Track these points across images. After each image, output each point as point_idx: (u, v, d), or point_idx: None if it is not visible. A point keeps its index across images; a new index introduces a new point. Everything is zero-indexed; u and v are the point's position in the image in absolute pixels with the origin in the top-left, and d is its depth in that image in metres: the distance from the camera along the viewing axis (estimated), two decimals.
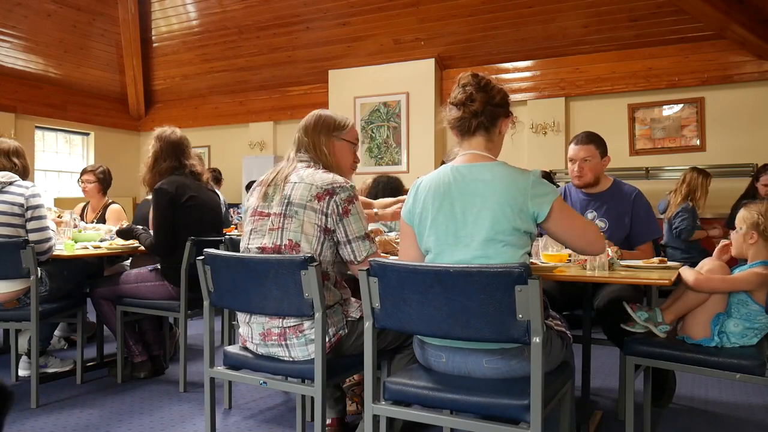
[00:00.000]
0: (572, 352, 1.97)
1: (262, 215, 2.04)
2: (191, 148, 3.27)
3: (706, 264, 2.24)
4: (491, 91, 1.79)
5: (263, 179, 2.12)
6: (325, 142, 2.12)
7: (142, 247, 3.21)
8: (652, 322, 2.22)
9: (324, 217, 1.96)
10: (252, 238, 2.05)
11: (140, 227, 3.28)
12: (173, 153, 3.16)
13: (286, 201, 1.99)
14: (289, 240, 1.96)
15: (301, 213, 1.96)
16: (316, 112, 2.20)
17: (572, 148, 2.85)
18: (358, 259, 1.99)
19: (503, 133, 1.86)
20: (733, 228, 2.32)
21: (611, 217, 2.79)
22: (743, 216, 2.26)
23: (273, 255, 1.96)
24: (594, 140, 2.82)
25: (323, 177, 2.00)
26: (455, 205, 1.73)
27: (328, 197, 1.96)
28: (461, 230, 1.71)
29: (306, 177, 2.01)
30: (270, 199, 2.04)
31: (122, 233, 3.30)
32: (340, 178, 2.02)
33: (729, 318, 2.16)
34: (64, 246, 3.09)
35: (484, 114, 1.78)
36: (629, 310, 2.24)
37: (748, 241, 2.22)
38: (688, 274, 2.15)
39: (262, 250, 2.00)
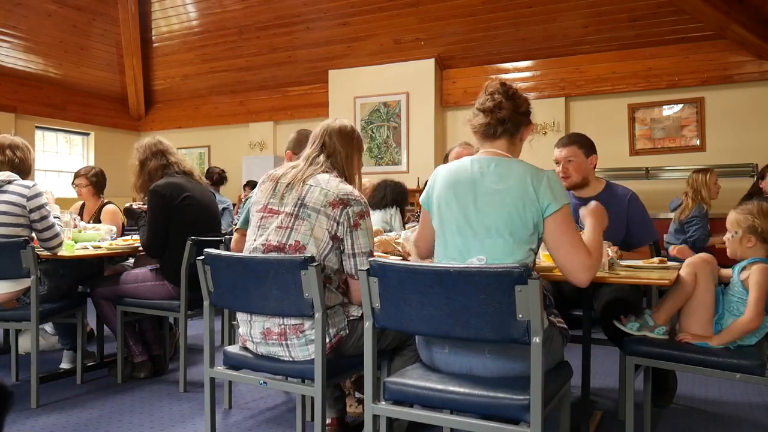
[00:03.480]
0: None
1: (272, 212, 2.03)
2: (174, 149, 3.31)
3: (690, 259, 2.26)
4: (518, 100, 1.86)
5: (275, 174, 2.10)
6: (357, 162, 2.18)
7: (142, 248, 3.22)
8: (647, 329, 2.22)
9: (335, 224, 1.97)
10: (258, 234, 2.04)
11: (125, 236, 3.33)
12: (156, 153, 3.21)
13: (299, 202, 1.99)
14: (296, 241, 1.96)
15: (314, 217, 1.96)
16: (349, 123, 2.22)
17: (555, 150, 2.85)
18: (358, 276, 1.97)
19: (524, 139, 1.93)
20: None
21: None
22: (737, 219, 2.24)
23: (273, 255, 1.96)
24: (576, 141, 2.81)
25: (340, 186, 2.01)
26: (469, 196, 1.77)
27: (342, 206, 1.97)
28: (475, 222, 1.75)
29: (322, 182, 2.02)
30: (281, 196, 2.03)
31: (128, 212, 3.32)
32: (356, 192, 2.04)
33: (728, 316, 2.16)
34: (64, 246, 3.09)
35: (510, 121, 1.84)
36: (620, 326, 2.25)
37: (746, 245, 2.21)
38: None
39: (266, 247, 2.00)
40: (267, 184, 2.10)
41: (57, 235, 2.96)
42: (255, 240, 2.05)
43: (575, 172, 2.78)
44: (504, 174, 1.76)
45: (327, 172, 2.07)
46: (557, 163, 2.84)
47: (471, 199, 1.77)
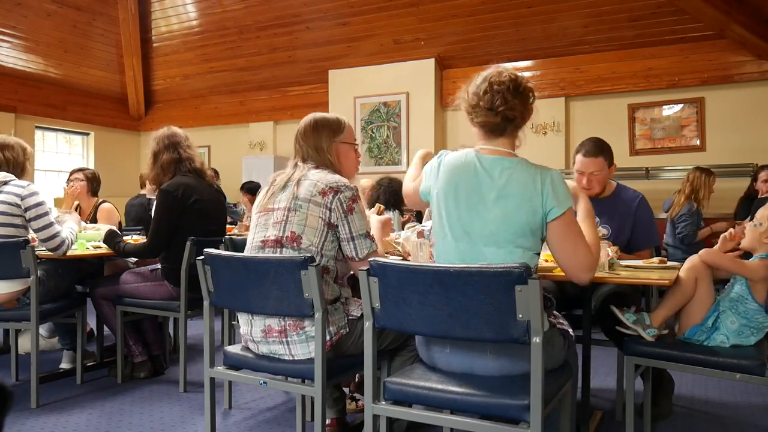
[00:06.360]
0: (575, 353, 1.97)
1: (269, 210, 2.09)
2: (189, 141, 3.28)
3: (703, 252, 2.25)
4: (527, 96, 1.77)
5: (274, 181, 2.16)
6: (327, 149, 2.16)
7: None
8: (640, 325, 2.19)
9: (328, 212, 2.01)
10: (257, 232, 2.09)
11: (125, 236, 3.31)
12: (170, 145, 3.20)
13: (292, 196, 2.04)
14: (291, 232, 1.99)
15: (306, 206, 2.01)
16: (310, 117, 2.23)
17: (581, 160, 2.73)
18: (360, 256, 2.04)
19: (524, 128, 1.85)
20: (741, 220, 2.30)
21: (614, 223, 2.75)
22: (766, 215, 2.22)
23: (273, 255, 1.97)
24: (603, 152, 2.70)
25: (328, 177, 2.08)
26: (473, 199, 1.73)
27: (332, 194, 2.02)
28: (479, 229, 1.71)
29: (312, 176, 2.08)
30: (276, 195, 2.09)
31: (107, 239, 3.17)
32: (345, 179, 2.10)
33: (726, 313, 2.16)
34: (76, 245, 3.09)
35: (520, 117, 1.76)
36: (617, 313, 2.21)
37: (764, 240, 2.19)
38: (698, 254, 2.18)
39: (265, 242, 2.03)
40: (265, 188, 2.18)
41: (56, 235, 2.91)
42: (254, 238, 2.09)
43: (598, 185, 2.74)
44: (510, 179, 1.70)
45: (315, 168, 2.13)
46: (581, 173, 2.73)
47: (475, 203, 1.72)
